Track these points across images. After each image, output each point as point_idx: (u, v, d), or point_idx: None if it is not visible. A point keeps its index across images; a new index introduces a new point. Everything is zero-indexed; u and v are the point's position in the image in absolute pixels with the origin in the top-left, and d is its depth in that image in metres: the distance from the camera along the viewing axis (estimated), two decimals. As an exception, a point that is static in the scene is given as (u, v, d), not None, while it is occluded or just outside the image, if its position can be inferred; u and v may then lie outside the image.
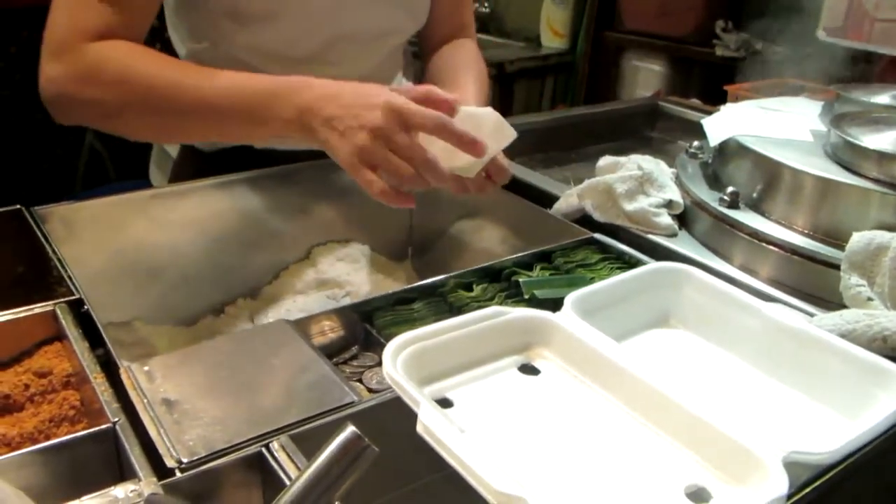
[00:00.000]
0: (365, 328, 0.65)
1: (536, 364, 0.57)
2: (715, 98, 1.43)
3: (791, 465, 0.44)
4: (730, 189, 0.78)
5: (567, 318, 0.58)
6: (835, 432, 0.50)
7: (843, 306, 0.65)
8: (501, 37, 2.66)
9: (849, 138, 0.72)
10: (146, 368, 0.53)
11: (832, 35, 1.14)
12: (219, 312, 0.93)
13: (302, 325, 0.62)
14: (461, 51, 1.03)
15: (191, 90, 0.76)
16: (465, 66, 0.98)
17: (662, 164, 0.89)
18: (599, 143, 1.33)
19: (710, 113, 0.96)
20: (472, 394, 0.54)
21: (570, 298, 0.59)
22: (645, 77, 2.18)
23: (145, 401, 0.50)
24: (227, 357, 0.56)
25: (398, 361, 0.51)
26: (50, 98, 0.80)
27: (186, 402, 0.50)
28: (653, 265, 0.67)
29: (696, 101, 1.44)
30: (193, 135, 0.88)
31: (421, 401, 0.46)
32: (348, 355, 0.63)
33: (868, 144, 0.71)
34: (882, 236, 0.65)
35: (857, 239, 0.66)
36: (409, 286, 0.69)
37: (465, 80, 0.93)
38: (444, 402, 0.52)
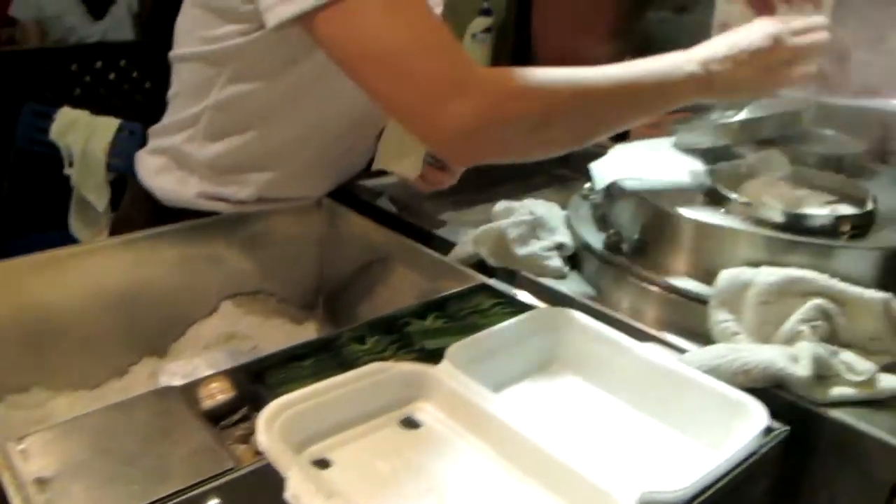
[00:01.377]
0: (255, 388, 0.66)
1: (417, 418, 0.59)
2: (627, 133, 1.48)
3: (644, 505, 0.46)
4: (612, 231, 0.81)
5: (446, 370, 0.60)
6: (699, 467, 0.53)
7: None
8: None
9: (717, 183, 0.76)
10: (21, 447, 0.53)
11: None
12: (123, 373, 0.93)
13: (188, 390, 0.62)
14: None
15: (608, 79, 0.79)
16: None
17: (555, 208, 0.92)
18: (511, 183, 1.37)
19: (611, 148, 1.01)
20: (352, 452, 0.55)
21: (451, 350, 0.62)
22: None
23: (17, 482, 0.50)
24: (108, 428, 0.56)
25: (275, 426, 0.52)
26: (464, 135, 0.74)
27: (60, 481, 0.50)
28: (533, 311, 0.69)
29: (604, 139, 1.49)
30: (614, 123, 0.84)
31: (291, 467, 0.48)
32: (238, 417, 0.64)
33: (735, 189, 0.75)
34: (747, 273, 0.69)
35: (724, 276, 0.70)
36: (301, 343, 0.70)
37: None
38: (323, 463, 0.54)
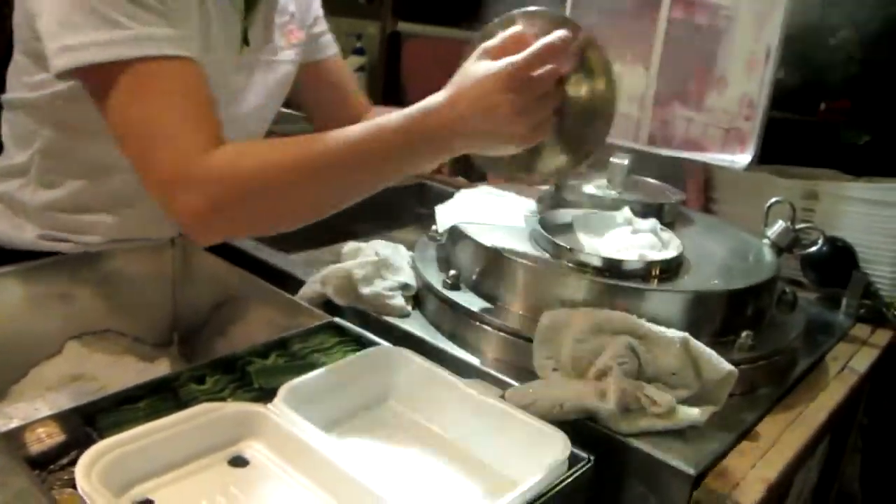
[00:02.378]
0: (86, 431, 0.66)
1: (246, 455, 0.61)
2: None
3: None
4: (452, 272, 0.86)
5: (277, 408, 0.62)
6: (503, 499, 0.58)
7: (542, 377, 0.74)
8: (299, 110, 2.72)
9: (540, 228, 0.83)
10: None
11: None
12: (-44, 417, 0.89)
13: (13, 435, 0.62)
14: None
15: (342, 147, 0.77)
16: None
17: (401, 249, 0.96)
18: (371, 222, 1.41)
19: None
20: (178, 492, 0.56)
21: (283, 389, 0.64)
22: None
23: None
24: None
25: (94, 470, 0.52)
26: (201, 225, 0.77)
27: None
28: (366, 350, 0.73)
29: (460, 180, 1.56)
30: (357, 192, 0.83)
31: None
32: (66, 461, 0.63)
33: (557, 235, 0.81)
34: (564, 314, 0.75)
35: (545, 317, 0.75)
36: (136, 384, 0.70)
37: None
38: (146, 504, 0.55)
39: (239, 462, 0.60)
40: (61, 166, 0.98)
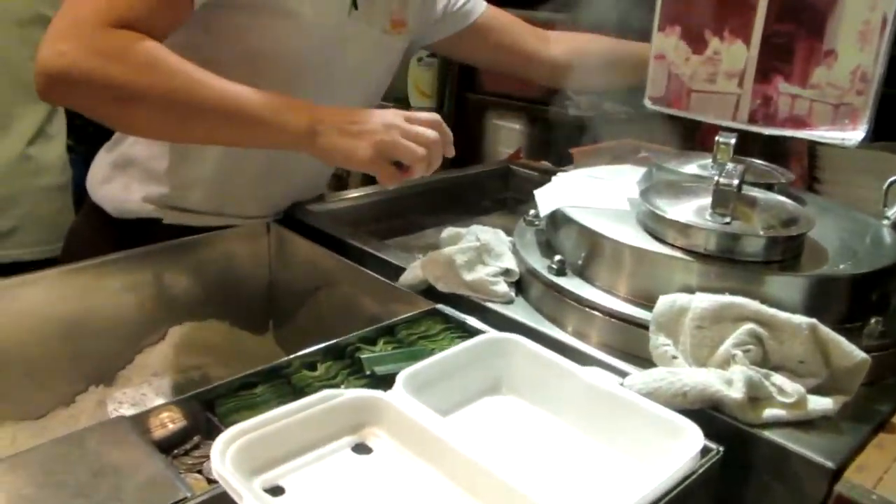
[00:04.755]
0: (207, 416, 0.66)
1: (369, 443, 0.60)
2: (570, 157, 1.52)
3: (583, 528, 0.48)
4: (557, 257, 0.84)
5: (397, 395, 0.61)
6: (637, 488, 0.56)
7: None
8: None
9: (653, 209, 0.80)
10: (-33, 482, 0.53)
11: (656, 104, 1.25)
12: (69, 403, 0.92)
13: (139, 420, 0.63)
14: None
15: (215, 88, 0.82)
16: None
17: (501, 234, 0.94)
18: (458, 207, 1.40)
19: (556, 174, 1.04)
20: (306, 479, 0.56)
21: (402, 376, 0.63)
22: (507, 135, 2.28)
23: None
24: (57, 461, 0.56)
25: (228, 454, 0.53)
26: (55, 73, 0.80)
27: (9, 515, 0.50)
28: (481, 337, 0.71)
29: (545, 164, 1.53)
30: (203, 133, 0.88)
31: (244, 494, 0.48)
32: (189, 446, 0.64)
33: (668, 215, 0.78)
34: (683, 298, 0.72)
35: (662, 302, 0.73)
36: (251, 371, 0.70)
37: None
38: (277, 490, 0.54)
39: (362, 449, 0.59)
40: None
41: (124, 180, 1.11)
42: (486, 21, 1.30)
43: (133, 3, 0.83)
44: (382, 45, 1.13)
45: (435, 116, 0.86)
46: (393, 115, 0.84)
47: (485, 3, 1.30)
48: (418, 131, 0.83)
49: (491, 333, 0.72)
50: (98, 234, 1.10)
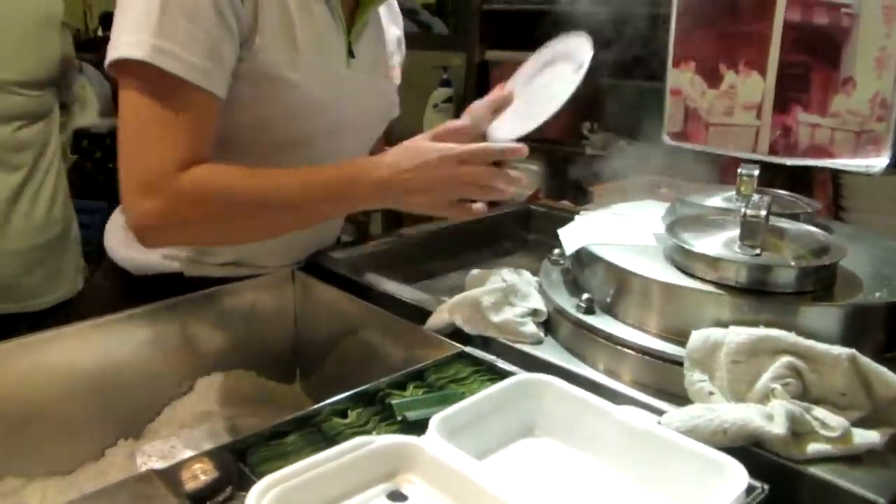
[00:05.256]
0: (239, 467, 0.66)
1: (404, 490, 0.59)
2: (589, 195, 1.52)
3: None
4: (585, 296, 0.83)
5: (430, 440, 0.60)
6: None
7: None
8: (388, 144, 2.76)
9: (681, 244, 0.79)
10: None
11: (675, 139, 1.25)
12: (98, 457, 0.91)
13: (170, 473, 0.62)
14: None
15: (283, 190, 0.91)
16: None
17: (526, 274, 0.94)
18: (480, 249, 1.39)
19: (577, 213, 1.04)
20: (341, 529, 0.55)
21: (435, 420, 0.62)
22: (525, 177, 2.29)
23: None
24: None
25: (264, 502, 0.52)
26: (144, 229, 0.90)
27: (44, 574, 0.49)
28: (513, 378, 0.70)
29: (566, 203, 1.53)
30: (292, 225, 0.99)
31: None
32: (222, 497, 0.63)
33: (697, 249, 0.78)
34: (717, 333, 0.71)
35: (695, 337, 0.71)
36: (281, 420, 0.70)
37: None
38: (312, 541, 0.53)
39: (397, 497, 0.58)
40: None
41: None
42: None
43: (191, 140, 0.89)
44: (382, 90, 1.16)
45: (483, 150, 0.90)
46: (448, 165, 0.89)
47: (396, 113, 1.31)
48: (475, 176, 0.89)
49: (521, 375, 0.71)
50: (119, 290, 1.10)
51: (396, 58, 1.21)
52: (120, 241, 1.11)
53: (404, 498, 0.58)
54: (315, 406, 0.73)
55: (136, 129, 0.89)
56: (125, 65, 0.86)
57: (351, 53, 1.06)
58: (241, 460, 0.66)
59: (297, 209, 0.93)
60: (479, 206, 0.93)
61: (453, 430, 0.62)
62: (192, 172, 0.88)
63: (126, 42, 0.86)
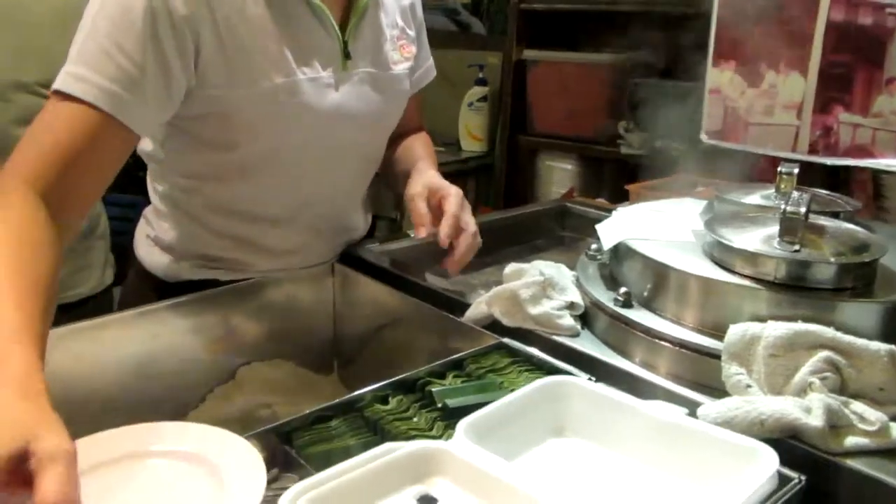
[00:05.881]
0: (284, 450, 0.68)
1: (433, 493, 0.60)
2: (624, 193, 1.53)
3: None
4: (623, 289, 0.84)
5: (459, 444, 0.61)
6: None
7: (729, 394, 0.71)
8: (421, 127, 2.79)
9: (721, 239, 0.80)
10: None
11: (713, 138, 1.26)
12: (143, 442, 0.94)
13: (220, 452, 0.64)
14: (415, 139, 1.25)
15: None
16: (416, 143, 1.23)
17: (563, 268, 0.95)
18: (515, 245, 1.41)
19: (613, 211, 1.04)
20: (373, 531, 0.56)
21: (462, 425, 0.63)
22: (559, 176, 2.30)
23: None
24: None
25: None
26: None
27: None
28: (539, 381, 0.71)
29: (601, 201, 1.54)
30: None
31: None
32: (269, 478, 0.65)
33: (737, 245, 0.78)
34: (755, 327, 0.72)
35: (733, 331, 0.72)
36: (326, 405, 0.72)
37: (418, 151, 1.19)
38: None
39: (427, 500, 0.59)
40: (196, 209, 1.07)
41: (170, 257, 1.11)
42: (415, 97, 1.25)
43: (52, 157, 0.82)
44: (395, 80, 1.12)
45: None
46: None
47: (433, 75, 1.26)
48: None
49: (547, 378, 0.72)
50: (153, 294, 1.11)
51: (409, 33, 1.15)
52: (146, 252, 1.13)
53: (434, 500, 0.59)
54: (358, 392, 0.74)
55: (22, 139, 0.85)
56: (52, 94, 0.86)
57: (347, 55, 1.03)
58: (287, 443, 0.68)
59: None
60: None
61: (481, 434, 0.63)
62: (14, 193, 0.79)
63: (59, 74, 0.86)
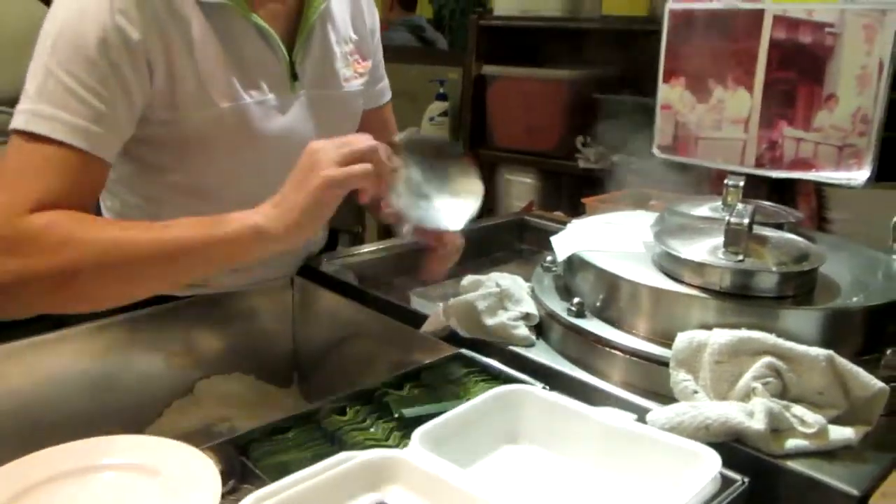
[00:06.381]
0: (241, 461, 0.68)
1: (389, 500, 0.61)
2: (582, 207, 1.56)
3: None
4: (576, 300, 0.86)
5: (414, 452, 0.63)
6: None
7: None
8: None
9: (669, 250, 0.82)
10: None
11: (664, 152, 1.29)
12: (100, 457, 0.93)
13: (177, 465, 0.64)
14: None
15: (145, 239, 0.81)
16: None
17: (519, 280, 0.97)
18: (474, 259, 1.42)
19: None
20: (328, 539, 0.57)
21: (417, 434, 0.64)
22: (519, 189, 2.33)
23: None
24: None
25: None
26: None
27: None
28: (494, 390, 0.72)
29: (558, 214, 1.56)
30: (156, 283, 0.87)
31: None
32: (226, 490, 0.66)
33: (684, 255, 0.81)
34: (701, 335, 0.74)
35: (681, 339, 0.74)
36: (284, 416, 0.72)
37: None
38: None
39: None
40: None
41: None
42: (381, 113, 1.26)
43: (43, 189, 0.82)
44: (348, 99, 1.12)
45: (364, 138, 0.83)
46: (322, 150, 0.82)
47: (388, 95, 1.27)
48: (352, 149, 0.81)
49: (502, 387, 0.73)
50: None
51: (363, 47, 1.15)
52: None
53: None
54: (315, 404, 0.75)
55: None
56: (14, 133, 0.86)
57: (294, 76, 1.03)
58: (245, 454, 0.69)
59: (152, 261, 0.82)
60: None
61: (436, 442, 0.64)
62: (35, 217, 0.80)
63: (17, 112, 0.85)
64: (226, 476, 0.67)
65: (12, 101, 1.22)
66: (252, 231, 0.81)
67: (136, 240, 0.82)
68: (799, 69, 1.13)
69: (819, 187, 1.21)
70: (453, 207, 0.93)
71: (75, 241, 0.80)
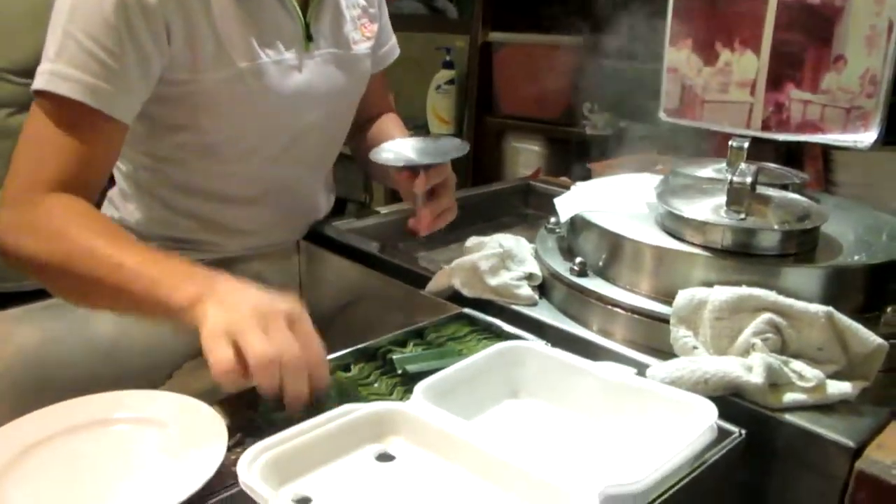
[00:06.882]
0: (249, 415, 0.70)
1: (391, 451, 0.62)
2: (588, 174, 1.56)
3: (610, 499, 0.51)
4: (578, 259, 0.87)
5: (416, 404, 0.64)
6: (656, 462, 0.57)
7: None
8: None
9: (671, 209, 0.83)
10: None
11: (671, 115, 1.29)
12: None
13: (186, 418, 0.66)
14: (386, 119, 1.29)
15: (108, 259, 0.78)
16: (389, 124, 1.27)
17: (522, 241, 0.98)
18: (480, 223, 1.43)
19: (575, 187, 1.07)
20: (331, 488, 0.58)
21: (420, 387, 0.65)
22: (525, 157, 2.32)
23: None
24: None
25: (255, 466, 0.55)
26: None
27: None
28: (496, 346, 0.73)
29: (564, 179, 1.56)
30: (102, 303, 0.84)
31: (270, 500, 0.51)
32: (232, 442, 0.67)
33: (686, 214, 0.81)
34: (701, 292, 0.75)
35: (682, 296, 0.75)
36: (289, 372, 0.73)
37: (392, 132, 1.21)
38: (304, 500, 0.56)
39: (385, 457, 0.61)
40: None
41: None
42: (379, 77, 1.27)
43: (63, 161, 0.86)
44: (357, 61, 1.14)
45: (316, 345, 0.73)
46: (271, 309, 0.72)
47: (396, 53, 1.28)
48: (289, 336, 0.70)
49: (503, 343, 0.74)
50: None
51: (371, 11, 1.17)
52: None
53: (392, 458, 0.62)
54: (319, 360, 0.76)
55: (21, 148, 0.88)
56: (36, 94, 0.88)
57: (309, 37, 1.05)
58: (252, 409, 0.70)
59: (106, 288, 0.78)
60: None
61: (438, 396, 0.65)
62: (51, 198, 0.85)
63: (38, 73, 0.87)
64: (233, 430, 0.68)
65: (29, 73, 1.23)
66: (180, 312, 0.74)
67: (101, 255, 0.79)
68: (807, 30, 1.12)
69: (826, 150, 1.20)
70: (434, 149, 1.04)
71: (59, 236, 0.82)
